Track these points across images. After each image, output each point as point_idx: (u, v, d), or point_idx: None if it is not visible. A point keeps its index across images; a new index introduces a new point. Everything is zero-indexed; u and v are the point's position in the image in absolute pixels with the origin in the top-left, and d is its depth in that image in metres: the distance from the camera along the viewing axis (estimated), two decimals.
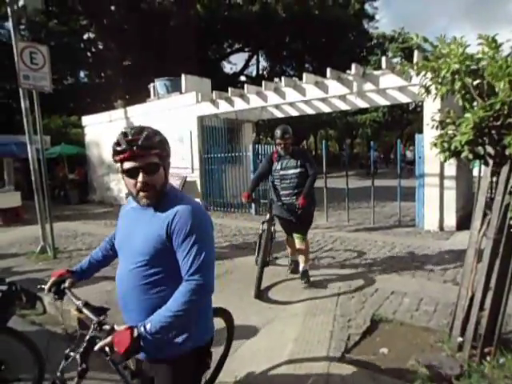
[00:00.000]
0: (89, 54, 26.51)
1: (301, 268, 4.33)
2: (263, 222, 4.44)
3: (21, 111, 5.92)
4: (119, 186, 12.56)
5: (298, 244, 4.28)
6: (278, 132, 4.06)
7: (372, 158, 7.98)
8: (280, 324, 3.39)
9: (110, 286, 4.59)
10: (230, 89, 8.97)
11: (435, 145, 2.68)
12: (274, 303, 3.88)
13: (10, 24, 5.79)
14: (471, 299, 2.69)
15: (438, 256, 5.23)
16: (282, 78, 8.00)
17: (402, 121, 30.02)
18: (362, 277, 4.51)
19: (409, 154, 18.44)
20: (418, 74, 2.69)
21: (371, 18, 29.20)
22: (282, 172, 4.20)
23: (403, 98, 7.48)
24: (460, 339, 2.69)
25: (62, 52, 23.52)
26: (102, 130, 13.11)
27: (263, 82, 8.42)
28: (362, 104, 8.61)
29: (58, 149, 13.60)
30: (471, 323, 2.66)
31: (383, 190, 10.04)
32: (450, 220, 6.65)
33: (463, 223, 6.36)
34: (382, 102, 8.14)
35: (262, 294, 4.03)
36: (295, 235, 4.30)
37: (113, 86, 25.00)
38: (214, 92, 9.41)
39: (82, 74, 28.92)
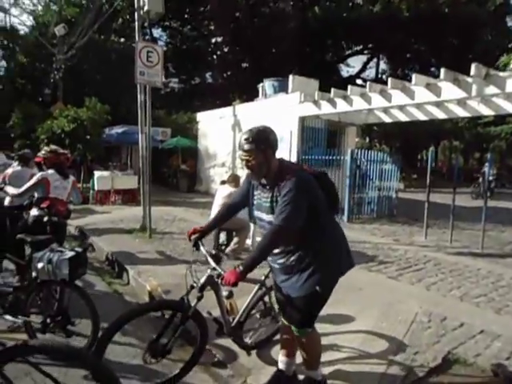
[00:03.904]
0: (214, 56, 28.76)
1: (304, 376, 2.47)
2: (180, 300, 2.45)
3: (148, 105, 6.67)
4: (223, 179, 13.28)
5: (297, 340, 2.36)
6: (240, 138, 2.22)
7: (487, 175, 6.79)
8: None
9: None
10: (332, 89, 8.67)
11: None
12: None
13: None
14: None
15: None
16: (389, 79, 7.40)
17: None
18: (447, 306, 3.90)
19: None
20: None
21: None
22: (255, 212, 2.37)
23: None
24: None
25: (192, 54, 26.11)
26: (212, 126, 14.07)
27: (367, 84, 7.93)
28: (486, 111, 7.49)
29: (174, 141, 15.03)
30: None
31: (507, 213, 8.55)
32: None
33: None
34: (511, 109, 6.96)
35: None
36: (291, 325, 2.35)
37: (232, 85, 26.71)
38: (316, 92, 9.23)
39: (207, 75, 31.56)
